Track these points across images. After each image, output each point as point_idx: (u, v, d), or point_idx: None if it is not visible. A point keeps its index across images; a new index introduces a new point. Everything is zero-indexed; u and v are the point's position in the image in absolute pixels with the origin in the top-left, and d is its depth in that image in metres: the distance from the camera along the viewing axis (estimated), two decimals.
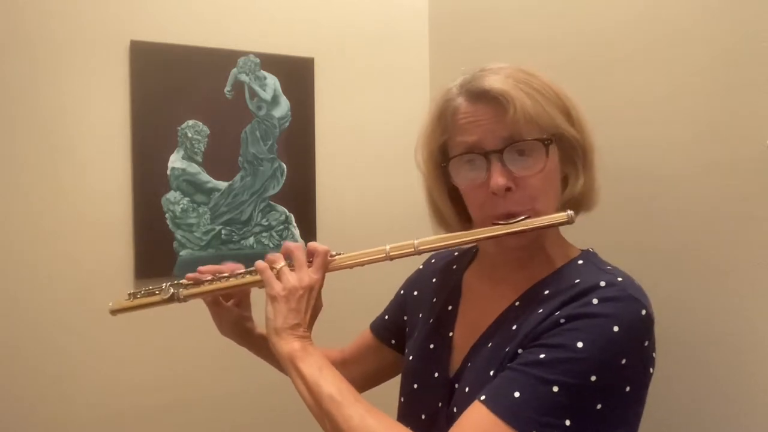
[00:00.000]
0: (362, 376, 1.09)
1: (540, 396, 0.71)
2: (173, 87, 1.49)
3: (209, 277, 0.96)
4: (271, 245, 1.61)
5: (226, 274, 0.95)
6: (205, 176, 1.54)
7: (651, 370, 0.78)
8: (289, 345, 0.84)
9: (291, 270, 0.88)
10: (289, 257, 0.90)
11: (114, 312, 0.98)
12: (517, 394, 0.72)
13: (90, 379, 1.44)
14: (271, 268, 0.89)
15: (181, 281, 0.96)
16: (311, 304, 0.87)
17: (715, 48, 0.99)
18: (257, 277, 0.91)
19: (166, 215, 1.50)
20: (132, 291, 0.98)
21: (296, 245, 0.91)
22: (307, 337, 0.86)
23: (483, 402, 0.73)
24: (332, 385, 0.79)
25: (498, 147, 0.81)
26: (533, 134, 0.80)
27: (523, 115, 0.78)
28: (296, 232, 1.64)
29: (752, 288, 0.95)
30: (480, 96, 0.81)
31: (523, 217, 0.81)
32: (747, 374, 0.96)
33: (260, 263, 0.91)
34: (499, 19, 1.50)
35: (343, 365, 1.10)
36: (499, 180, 0.80)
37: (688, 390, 1.04)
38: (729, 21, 0.96)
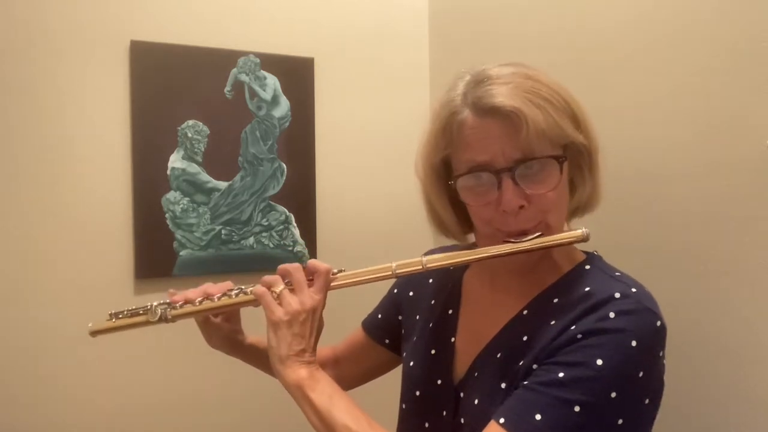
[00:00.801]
0: (355, 375, 1.08)
1: (561, 417, 0.70)
2: (173, 87, 1.49)
3: (199, 298, 0.91)
4: (271, 245, 1.61)
5: (217, 295, 0.91)
6: (205, 176, 1.54)
7: (663, 378, 0.78)
8: (295, 373, 0.81)
9: (291, 292, 0.84)
10: (287, 278, 0.86)
11: (94, 333, 0.94)
12: (538, 417, 0.70)
13: (90, 379, 1.44)
14: (270, 292, 0.85)
15: (167, 301, 0.92)
16: (315, 327, 0.84)
17: (715, 48, 0.98)
18: (250, 297, 0.87)
19: (166, 215, 1.50)
20: (114, 311, 0.93)
21: (294, 266, 0.86)
22: (313, 362, 0.83)
23: (503, 425, 0.71)
24: (346, 413, 0.77)
25: (509, 165, 0.77)
26: (545, 150, 0.77)
27: (536, 132, 0.75)
28: (296, 232, 1.64)
29: (752, 288, 0.94)
30: (489, 111, 0.77)
31: (536, 235, 0.78)
32: (746, 374, 0.96)
33: (259, 288, 0.86)
34: (499, 19, 1.50)
35: (336, 364, 1.10)
36: (512, 200, 0.77)
37: (687, 390, 1.03)
38: (729, 21, 0.96)
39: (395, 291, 1.08)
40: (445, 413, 0.86)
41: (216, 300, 0.90)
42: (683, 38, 1.04)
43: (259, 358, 1.02)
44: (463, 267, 0.98)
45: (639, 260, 0.97)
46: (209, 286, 0.93)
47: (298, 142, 1.63)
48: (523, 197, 0.78)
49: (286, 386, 0.82)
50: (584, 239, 0.78)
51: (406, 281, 1.06)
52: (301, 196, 1.64)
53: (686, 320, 1.03)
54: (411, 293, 1.03)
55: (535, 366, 0.76)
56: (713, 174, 0.99)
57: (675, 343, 1.03)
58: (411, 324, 1.00)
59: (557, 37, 1.30)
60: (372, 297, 1.15)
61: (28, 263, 1.38)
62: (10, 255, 1.37)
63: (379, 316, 1.09)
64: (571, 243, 0.79)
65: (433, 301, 0.97)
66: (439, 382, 0.89)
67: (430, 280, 1.01)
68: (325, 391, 0.80)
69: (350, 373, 1.08)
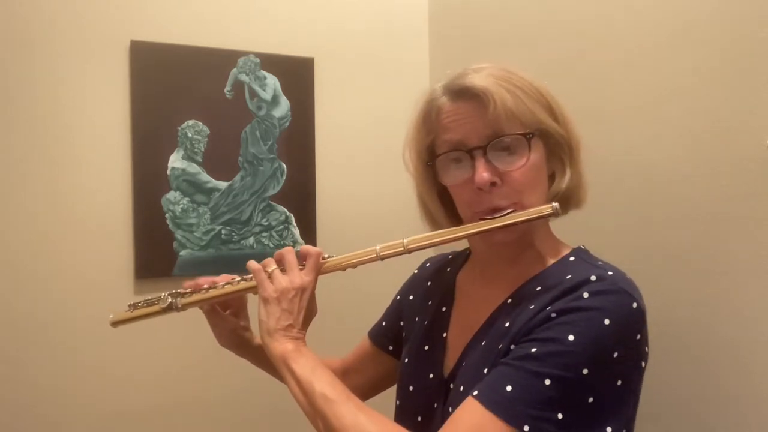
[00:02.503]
0: (363, 385, 1.09)
1: (532, 389, 0.72)
2: (173, 87, 1.49)
3: (206, 286, 0.95)
4: (271, 245, 1.61)
5: (221, 283, 0.95)
6: (205, 176, 1.54)
7: (643, 364, 0.79)
8: (282, 346, 0.84)
9: (283, 273, 0.89)
10: (281, 262, 0.90)
11: (115, 324, 0.98)
12: (509, 388, 0.72)
13: (90, 379, 1.44)
14: (265, 271, 0.89)
15: (178, 290, 0.96)
16: (304, 305, 0.87)
17: (715, 48, 0.98)
18: (252, 283, 0.92)
19: (166, 215, 1.50)
20: (132, 302, 0.97)
21: (287, 249, 0.91)
22: (300, 338, 0.86)
23: (475, 397, 0.74)
24: (325, 384, 0.80)
25: (481, 143, 0.82)
26: (515, 129, 0.81)
27: (504, 110, 0.80)
28: (296, 232, 1.64)
29: (752, 288, 0.94)
30: (461, 94, 0.83)
31: (508, 211, 0.82)
32: (745, 374, 0.96)
33: (253, 263, 0.91)
34: (498, 18, 1.50)
35: (344, 374, 1.10)
36: (483, 175, 0.80)
37: (686, 389, 1.03)
38: (729, 21, 0.96)
39: (398, 298, 1.11)
40: (435, 405, 0.88)
41: (220, 287, 0.94)
42: (683, 38, 1.04)
43: (266, 359, 1.02)
44: (457, 267, 1.01)
45: (638, 260, 0.97)
46: (219, 278, 0.98)
47: (298, 142, 1.63)
48: (495, 174, 0.81)
49: (272, 358, 0.85)
50: (555, 213, 0.80)
51: (408, 287, 1.10)
52: (301, 196, 1.64)
53: (686, 320, 1.03)
54: (411, 297, 1.06)
55: (512, 346, 0.78)
56: (713, 174, 0.99)
57: (673, 342, 1.03)
58: (411, 327, 1.02)
59: (557, 37, 1.30)
60: (370, 301, 1.15)
61: (27, 263, 1.38)
62: (10, 255, 1.37)
63: (384, 323, 1.11)
64: (542, 217, 0.81)
65: (429, 302, 1.00)
66: (431, 376, 0.91)
67: (428, 283, 1.04)
68: (307, 364, 0.82)
69: (358, 383, 1.08)
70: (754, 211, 0.94)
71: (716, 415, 1.00)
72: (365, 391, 1.08)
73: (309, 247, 0.91)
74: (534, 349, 0.74)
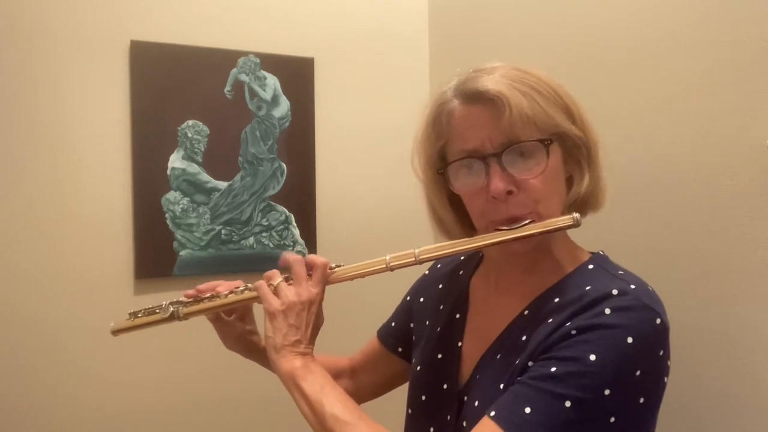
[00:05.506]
0: (371, 385, 1.07)
1: (552, 412, 0.69)
2: (173, 87, 1.49)
3: (208, 294, 0.93)
4: (271, 245, 1.61)
5: (225, 292, 0.92)
6: (205, 176, 1.54)
7: (665, 379, 0.76)
8: (289, 363, 0.81)
9: (289, 284, 0.86)
10: (287, 270, 0.87)
11: (115, 332, 0.97)
12: (528, 410, 0.69)
13: (90, 379, 1.44)
14: (269, 285, 0.87)
15: (180, 299, 0.94)
16: (311, 319, 0.84)
17: (715, 48, 0.99)
18: (255, 293, 0.89)
19: (166, 215, 1.50)
20: (132, 310, 0.96)
21: (295, 258, 0.87)
22: (308, 353, 0.83)
23: (493, 418, 0.71)
24: (336, 403, 0.77)
25: (496, 150, 0.77)
26: (532, 135, 0.77)
27: (520, 115, 0.75)
28: (296, 232, 1.64)
29: (752, 288, 0.95)
30: (474, 98, 0.78)
31: (526, 222, 0.77)
32: (746, 374, 0.96)
33: (258, 281, 0.88)
34: (499, 19, 1.50)
35: (352, 374, 1.09)
36: (498, 184, 0.76)
37: (686, 389, 1.04)
38: (729, 21, 0.96)
39: (408, 299, 1.07)
40: (449, 417, 0.86)
41: (223, 297, 0.92)
42: (683, 39, 1.04)
43: None
44: (470, 271, 0.97)
45: (639, 260, 0.97)
46: (220, 283, 0.95)
47: (298, 142, 1.63)
48: (511, 183, 0.77)
49: (279, 375, 0.83)
50: (575, 224, 0.76)
51: (418, 288, 1.06)
52: (301, 196, 1.64)
53: (686, 320, 1.03)
54: (422, 299, 1.03)
55: (530, 363, 0.75)
56: (713, 174, 0.99)
57: (675, 343, 1.03)
58: (421, 330, 0.99)
59: (557, 37, 1.30)
60: (376, 303, 1.15)
61: (27, 263, 1.38)
62: (10, 255, 1.37)
63: (393, 324, 1.08)
64: (561, 229, 0.77)
65: (441, 306, 0.97)
66: (444, 386, 0.88)
67: (440, 286, 1.00)
68: (317, 382, 0.80)
69: (366, 383, 1.07)
70: (754, 211, 0.94)
71: (717, 415, 1.00)
72: (376, 390, 1.07)
73: (315, 258, 0.87)
74: (553, 369, 0.71)
